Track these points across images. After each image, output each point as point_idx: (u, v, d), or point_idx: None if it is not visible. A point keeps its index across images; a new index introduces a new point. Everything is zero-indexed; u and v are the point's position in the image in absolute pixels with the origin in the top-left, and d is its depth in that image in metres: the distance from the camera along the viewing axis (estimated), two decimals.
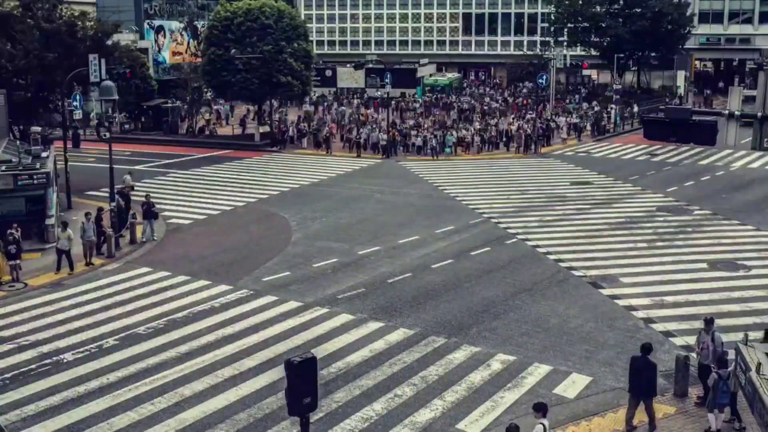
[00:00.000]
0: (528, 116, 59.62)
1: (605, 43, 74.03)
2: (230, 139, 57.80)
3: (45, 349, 19.65)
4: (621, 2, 73.34)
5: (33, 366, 18.65)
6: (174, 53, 72.86)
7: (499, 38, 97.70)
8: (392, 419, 16.06)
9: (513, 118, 58.69)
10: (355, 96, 79.27)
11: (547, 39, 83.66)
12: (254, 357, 19.09)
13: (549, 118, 59.21)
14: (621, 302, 22.59)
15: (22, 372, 18.34)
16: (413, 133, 52.50)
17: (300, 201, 36.38)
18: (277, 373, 17.11)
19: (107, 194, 32.38)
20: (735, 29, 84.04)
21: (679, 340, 19.62)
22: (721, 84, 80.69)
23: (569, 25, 76.45)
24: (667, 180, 40.73)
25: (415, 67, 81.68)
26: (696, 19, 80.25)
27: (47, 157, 31.70)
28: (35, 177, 28.99)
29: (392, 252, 27.82)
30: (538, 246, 28.40)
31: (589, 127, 58.13)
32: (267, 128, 55.87)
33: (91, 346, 19.88)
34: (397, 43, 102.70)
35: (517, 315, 21.70)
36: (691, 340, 19.35)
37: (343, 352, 19.35)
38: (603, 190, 38.75)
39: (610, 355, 19.12)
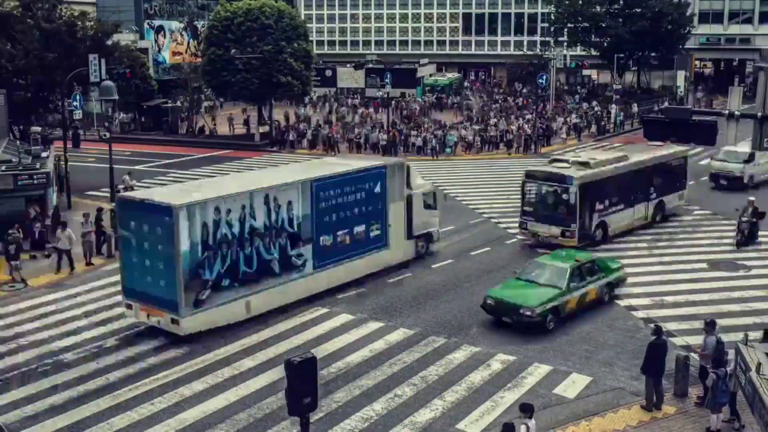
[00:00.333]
0: (528, 116, 59.59)
1: (605, 43, 73.96)
2: (230, 139, 57.84)
3: (45, 349, 19.66)
4: (621, 2, 73.26)
5: (33, 366, 18.66)
6: (174, 53, 72.91)
7: (499, 38, 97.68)
8: (392, 419, 16.06)
9: (513, 118, 58.64)
10: (355, 96, 79.29)
11: (547, 39, 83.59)
12: (254, 357, 19.09)
13: (550, 116, 59.22)
14: (621, 302, 22.60)
15: (22, 372, 18.35)
16: (413, 133, 52.49)
17: None
18: (277, 373, 17.10)
19: (107, 194, 32.35)
20: (735, 29, 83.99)
21: (679, 340, 19.61)
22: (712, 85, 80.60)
23: (569, 25, 76.36)
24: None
25: (415, 67, 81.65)
26: (696, 19, 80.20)
27: (47, 157, 31.70)
28: (35, 177, 28.99)
29: None
30: (538, 246, 28.38)
31: (594, 128, 58.09)
32: (266, 128, 55.88)
33: (91, 346, 19.89)
34: (397, 43, 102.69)
35: None
36: (692, 340, 19.43)
37: (343, 352, 19.36)
38: None
39: (610, 355, 19.12)
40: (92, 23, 42.46)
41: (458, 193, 37.89)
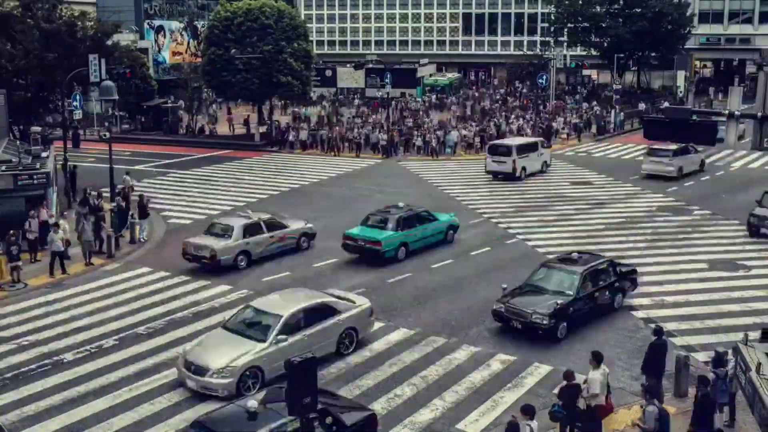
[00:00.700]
0: (528, 116, 59.58)
1: (605, 43, 74.01)
2: (230, 139, 57.84)
3: (45, 349, 19.66)
4: (621, 2, 73.30)
5: (33, 366, 18.66)
6: (174, 53, 72.93)
7: (499, 38, 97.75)
8: (392, 419, 16.05)
9: (514, 118, 58.65)
10: (355, 96, 79.31)
11: (547, 39, 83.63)
12: None
13: (550, 116, 59.20)
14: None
15: (22, 372, 18.35)
16: (414, 133, 52.49)
17: (300, 201, 36.36)
18: None
19: (107, 194, 32.38)
20: (735, 29, 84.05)
21: (679, 340, 19.61)
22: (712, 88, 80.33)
23: (569, 25, 76.42)
24: (667, 180, 40.70)
25: (415, 67, 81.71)
26: (696, 19, 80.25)
27: (47, 157, 31.69)
28: (35, 177, 28.96)
29: None
30: (538, 246, 28.40)
31: (595, 128, 58.08)
32: (266, 128, 55.89)
33: (91, 346, 19.89)
34: (397, 43, 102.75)
35: None
36: (692, 340, 19.40)
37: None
38: (603, 190, 38.74)
39: (610, 355, 19.07)
40: (92, 23, 42.45)
41: (458, 193, 37.90)
